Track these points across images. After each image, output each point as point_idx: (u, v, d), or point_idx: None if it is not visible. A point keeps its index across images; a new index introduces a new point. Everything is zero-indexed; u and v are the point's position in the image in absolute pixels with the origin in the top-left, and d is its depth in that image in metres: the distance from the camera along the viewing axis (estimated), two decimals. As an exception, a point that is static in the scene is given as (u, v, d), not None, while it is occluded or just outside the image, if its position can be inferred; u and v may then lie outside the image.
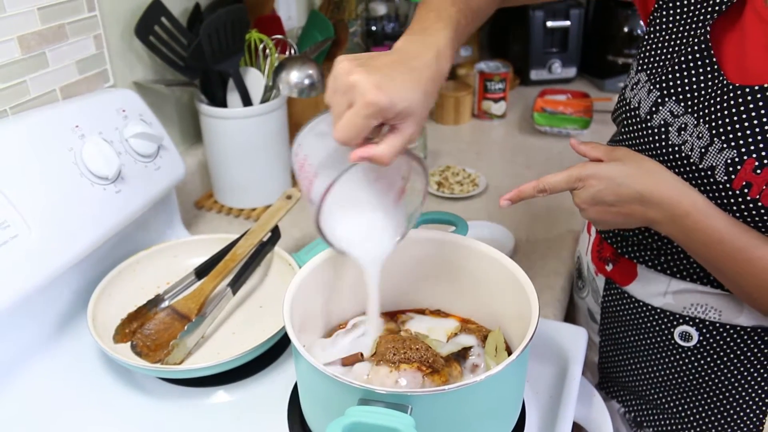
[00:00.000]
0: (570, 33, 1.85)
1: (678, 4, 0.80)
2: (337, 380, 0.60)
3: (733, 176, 0.72)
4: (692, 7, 0.79)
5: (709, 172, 0.74)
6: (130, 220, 0.96)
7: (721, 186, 0.73)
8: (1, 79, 0.89)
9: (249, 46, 1.16)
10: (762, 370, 0.85)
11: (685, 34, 0.79)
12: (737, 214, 0.73)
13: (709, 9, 0.77)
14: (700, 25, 0.77)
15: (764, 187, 0.70)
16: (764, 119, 0.70)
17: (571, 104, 1.67)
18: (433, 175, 1.35)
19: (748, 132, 0.70)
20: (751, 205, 0.72)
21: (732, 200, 0.73)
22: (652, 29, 0.83)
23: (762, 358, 0.85)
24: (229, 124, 1.15)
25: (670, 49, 0.80)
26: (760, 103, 0.70)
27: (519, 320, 0.73)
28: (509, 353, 0.76)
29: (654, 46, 0.83)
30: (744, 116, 0.71)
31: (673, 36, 0.81)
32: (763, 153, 0.70)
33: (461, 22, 0.73)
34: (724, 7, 0.75)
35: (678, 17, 0.80)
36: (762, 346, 0.84)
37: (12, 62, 0.90)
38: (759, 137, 0.70)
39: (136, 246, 1.02)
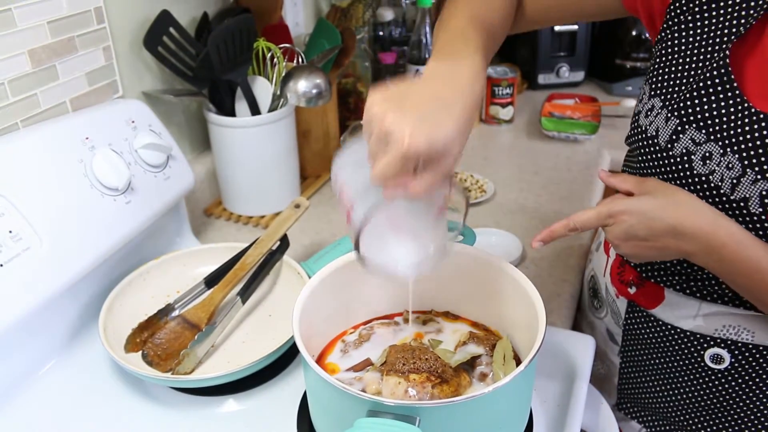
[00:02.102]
0: (578, 37, 1.85)
1: (691, 25, 0.77)
2: (346, 392, 0.61)
3: None
4: (707, 29, 0.76)
5: (741, 204, 0.72)
6: (140, 230, 0.96)
7: (756, 218, 0.72)
8: (12, 92, 0.90)
9: (257, 54, 1.17)
10: None
11: (702, 57, 0.76)
12: None
13: (726, 32, 0.74)
14: (717, 48, 0.74)
15: None
16: None
17: (579, 108, 1.67)
18: (441, 182, 1.35)
19: None
20: None
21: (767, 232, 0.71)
22: (663, 51, 0.81)
23: None
24: (238, 132, 1.15)
25: (686, 74, 0.78)
26: None
27: (527, 329, 0.73)
28: (517, 362, 0.77)
29: (667, 69, 0.80)
30: None
31: (688, 59, 0.78)
32: None
33: (488, 45, 0.73)
34: (742, 29, 0.72)
35: (692, 39, 0.77)
36: None
37: (23, 76, 0.91)
38: None
39: (147, 255, 1.03)
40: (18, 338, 0.83)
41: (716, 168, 0.74)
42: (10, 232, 0.78)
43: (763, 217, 0.70)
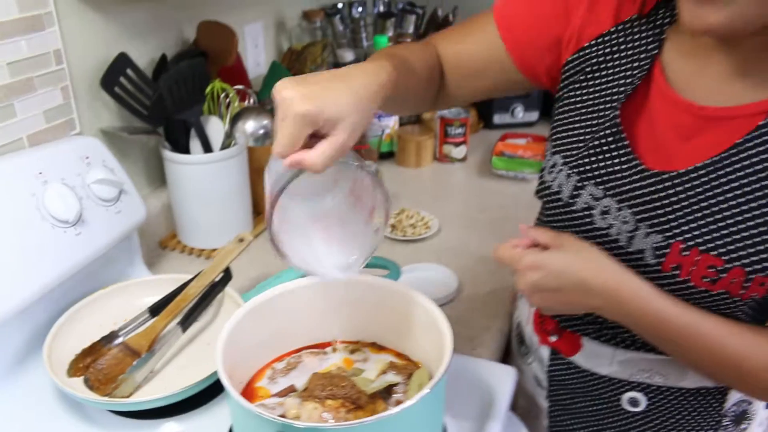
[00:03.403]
0: (531, 80, 1.94)
1: (585, 85, 0.83)
2: (255, 413, 0.66)
3: (662, 259, 0.75)
4: (599, 89, 0.81)
5: (638, 255, 0.77)
6: (89, 260, 1.02)
7: (651, 269, 0.76)
8: (-30, 128, 0.96)
9: (213, 94, 1.24)
10: (707, 428, 0.89)
11: (596, 116, 0.82)
12: (671, 295, 0.76)
13: (616, 91, 0.79)
14: (609, 107, 0.80)
15: (692, 268, 0.73)
16: (685, 203, 0.73)
17: (530, 147, 1.74)
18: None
19: (671, 216, 0.74)
20: (682, 286, 0.75)
21: (664, 281, 0.76)
22: (561, 110, 0.86)
23: (708, 417, 0.89)
24: (191, 169, 1.22)
25: (582, 132, 0.83)
26: (679, 188, 0.73)
27: (440, 358, 0.79)
28: (432, 390, 0.82)
29: (565, 128, 0.85)
30: (666, 201, 0.74)
31: (584, 118, 0.83)
32: (688, 235, 0.73)
33: (398, 67, 0.75)
34: (629, 89, 0.78)
35: (586, 99, 0.83)
36: (707, 406, 0.88)
37: (-19, 113, 0.97)
38: (682, 220, 0.73)
39: (98, 285, 1.07)
40: (-36, 362, 0.87)
41: (614, 222, 0.79)
42: (-41, 261, 0.83)
43: (658, 267, 0.76)
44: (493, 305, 1.16)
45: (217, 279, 1.04)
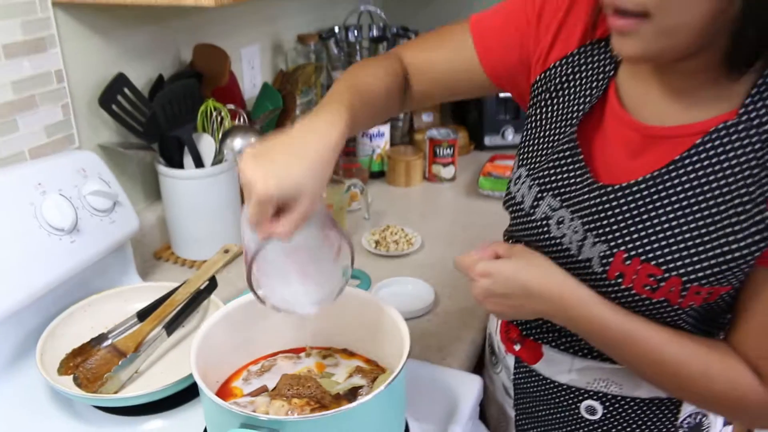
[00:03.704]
0: (520, 103, 2.00)
1: (549, 103, 0.89)
2: (221, 405, 0.72)
3: (607, 267, 0.80)
4: (561, 107, 0.88)
5: (587, 264, 0.82)
6: (83, 267, 1.08)
7: (598, 276, 0.81)
8: (-25, 142, 1.03)
9: (206, 113, 1.31)
10: None
11: (557, 132, 0.88)
12: (616, 302, 0.81)
13: (575, 109, 0.86)
14: (569, 124, 0.86)
15: (634, 277, 0.78)
16: (627, 215, 0.78)
17: (517, 170, 1.80)
18: (374, 234, 1.47)
19: (615, 227, 0.79)
20: (625, 293, 0.79)
21: (609, 289, 0.81)
22: (528, 125, 0.93)
23: (662, 428, 0.93)
24: (184, 183, 1.28)
25: (545, 146, 0.89)
26: (622, 201, 0.79)
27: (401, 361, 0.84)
28: (394, 393, 0.88)
29: (531, 142, 0.92)
30: (610, 213, 0.80)
31: (547, 134, 0.89)
32: (630, 245, 0.78)
33: (357, 104, 0.82)
34: (587, 107, 0.84)
35: (550, 115, 0.89)
36: (661, 417, 0.92)
37: (-15, 128, 1.04)
38: (624, 231, 0.78)
39: (93, 290, 1.13)
40: (-39, 358, 0.94)
41: (566, 231, 0.85)
42: (-41, 263, 0.90)
43: (604, 275, 0.81)
44: (467, 318, 1.21)
45: (202, 287, 1.10)
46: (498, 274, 0.84)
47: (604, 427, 0.95)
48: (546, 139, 0.89)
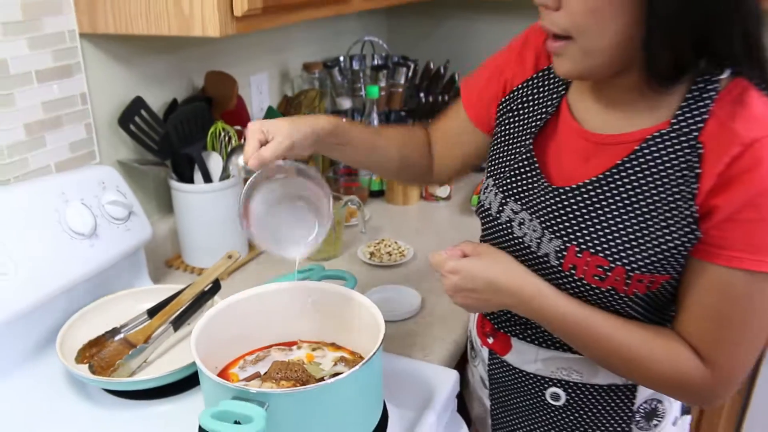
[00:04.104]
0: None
1: (512, 120, 1.02)
2: (214, 379, 0.83)
3: (562, 260, 0.91)
4: (521, 123, 1.01)
5: (545, 258, 0.93)
6: (101, 269, 1.20)
7: (555, 269, 0.92)
8: (9, 155, 1.16)
9: (216, 133, 1.43)
10: (621, 423, 1.03)
11: (517, 145, 1.00)
12: (571, 292, 0.91)
13: (533, 124, 0.99)
14: (527, 137, 0.99)
15: (585, 268, 0.88)
16: (577, 213, 0.90)
17: (509, 190, 1.91)
18: (369, 246, 1.59)
19: (567, 224, 0.90)
20: (578, 283, 0.90)
21: (564, 280, 0.91)
22: (494, 141, 1.05)
23: (620, 412, 1.02)
24: (193, 197, 1.41)
25: (507, 158, 1.02)
26: (572, 200, 0.90)
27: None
28: (372, 379, 0.98)
29: (496, 156, 1.04)
30: (562, 212, 0.91)
31: (509, 147, 1.02)
32: (581, 240, 0.89)
33: (355, 125, 1.06)
34: (541, 122, 0.97)
35: (512, 130, 1.02)
36: (618, 402, 1.02)
37: (18, 143, 1.18)
38: (575, 227, 0.90)
39: (109, 290, 1.25)
40: (-9, 345, 1.06)
41: (527, 231, 0.96)
42: (-7, 259, 1.02)
43: (560, 267, 0.92)
44: (450, 321, 1.32)
45: (206, 288, 1.21)
46: (466, 272, 0.95)
47: (567, 412, 1.05)
48: (508, 152, 1.02)
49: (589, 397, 1.02)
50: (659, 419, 1.04)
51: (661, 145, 0.85)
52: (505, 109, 1.04)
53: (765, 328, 0.86)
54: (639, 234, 0.86)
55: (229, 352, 1.05)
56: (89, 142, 1.32)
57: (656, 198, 0.85)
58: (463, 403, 1.30)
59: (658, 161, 0.85)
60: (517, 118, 1.02)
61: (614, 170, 0.88)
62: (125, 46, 1.37)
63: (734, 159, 0.79)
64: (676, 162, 0.83)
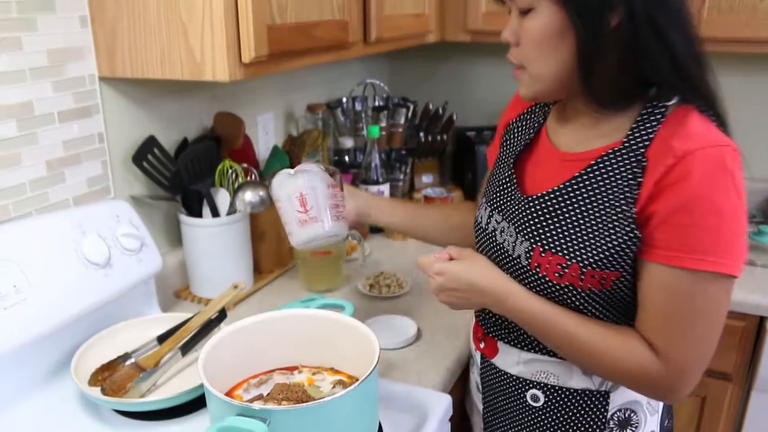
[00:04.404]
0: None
1: (503, 149, 1.18)
2: (222, 399, 0.90)
3: (530, 260, 1.03)
4: (508, 149, 1.17)
5: (518, 259, 1.05)
6: (114, 297, 1.27)
7: (525, 268, 1.04)
8: (31, 189, 1.25)
9: (223, 171, 1.52)
10: (596, 428, 1.10)
11: (503, 167, 1.15)
12: (537, 289, 1.02)
13: (516, 149, 1.14)
14: (510, 157, 1.14)
15: (548, 266, 1.00)
16: (541, 218, 1.02)
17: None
18: (368, 279, 1.66)
19: (533, 228, 1.03)
20: (543, 280, 1.01)
21: (533, 278, 1.03)
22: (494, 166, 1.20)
23: (594, 418, 1.09)
24: (202, 230, 1.49)
25: (496, 178, 1.16)
26: (537, 207, 1.03)
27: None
28: (368, 400, 1.04)
29: (490, 178, 1.20)
30: (529, 216, 1.04)
31: (498, 169, 1.17)
32: (544, 241, 1.01)
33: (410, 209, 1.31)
34: (523, 145, 1.13)
35: (501, 156, 1.18)
36: (593, 407, 1.09)
37: (39, 178, 1.26)
38: (540, 230, 1.02)
39: (121, 318, 1.32)
40: (11, 365, 1.12)
41: (506, 237, 1.08)
42: (15, 286, 1.10)
43: (528, 267, 1.03)
44: (444, 349, 1.38)
45: (213, 317, 1.28)
46: (449, 273, 1.07)
47: (545, 414, 1.13)
48: (497, 173, 1.16)
49: (566, 400, 1.11)
50: (633, 428, 1.11)
51: (613, 160, 0.97)
52: (502, 140, 1.20)
53: (712, 327, 0.95)
54: (591, 235, 0.97)
55: (234, 375, 1.11)
56: (105, 178, 1.40)
57: (606, 204, 0.97)
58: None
59: (610, 173, 0.97)
60: (506, 145, 1.17)
61: (573, 181, 1.00)
62: (140, 88, 1.46)
63: (669, 169, 0.90)
64: (624, 174, 0.95)
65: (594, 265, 0.97)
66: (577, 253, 0.98)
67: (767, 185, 2.13)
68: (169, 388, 1.18)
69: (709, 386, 1.79)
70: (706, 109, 0.96)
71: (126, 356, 1.23)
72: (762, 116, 2.14)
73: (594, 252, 0.97)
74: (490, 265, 1.08)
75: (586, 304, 1.01)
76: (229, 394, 1.08)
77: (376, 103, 2.26)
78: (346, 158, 2.11)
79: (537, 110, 1.16)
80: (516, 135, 1.16)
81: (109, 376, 1.18)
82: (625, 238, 0.94)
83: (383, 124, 2.09)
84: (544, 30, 0.94)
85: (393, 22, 1.71)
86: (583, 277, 0.98)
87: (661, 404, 1.13)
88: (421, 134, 2.27)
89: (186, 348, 1.22)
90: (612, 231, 0.95)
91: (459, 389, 1.40)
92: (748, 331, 1.71)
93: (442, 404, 1.17)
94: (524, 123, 1.16)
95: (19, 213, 1.24)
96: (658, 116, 0.95)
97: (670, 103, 0.95)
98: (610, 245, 0.95)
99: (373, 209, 1.29)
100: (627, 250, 0.95)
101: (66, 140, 1.30)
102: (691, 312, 0.93)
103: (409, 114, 2.21)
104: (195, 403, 1.13)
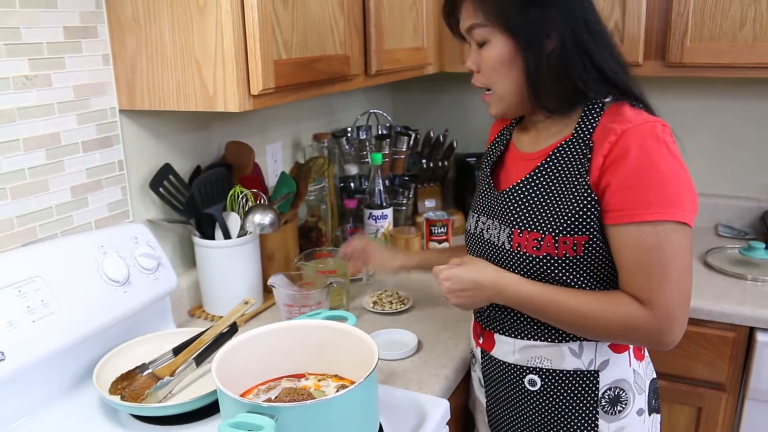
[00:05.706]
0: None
1: (483, 167, 1.34)
2: (231, 395, 0.98)
3: (511, 242, 1.20)
4: (486, 165, 1.33)
5: (503, 246, 1.22)
6: (132, 313, 1.37)
7: (509, 252, 1.20)
8: (57, 213, 1.35)
9: (235, 196, 1.62)
10: (589, 406, 1.21)
11: (483, 178, 1.35)
12: (522, 266, 1.18)
13: (493, 158, 1.34)
14: (488, 168, 1.35)
15: (526, 243, 1.17)
16: (513, 205, 1.21)
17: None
18: (372, 296, 1.74)
19: (509, 214, 1.21)
20: (525, 257, 1.18)
21: (516, 258, 1.19)
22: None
23: (587, 397, 1.21)
24: (214, 252, 1.58)
25: (479, 190, 1.35)
26: (509, 197, 1.22)
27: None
28: (368, 402, 1.12)
29: (476, 193, 1.35)
30: (505, 206, 1.22)
31: (480, 183, 1.36)
32: (519, 224, 1.19)
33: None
34: (497, 154, 1.33)
35: (482, 173, 1.38)
36: (585, 386, 1.21)
37: (64, 203, 1.36)
38: (515, 214, 1.20)
39: (139, 332, 1.41)
40: (38, 376, 1.21)
41: (492, 231, 1.23)
42: (42, 300, 1.19)
43: (510, 248, 1.20)
44: (444, 359, 1.46)
45: (225, 330, 1.37)
46: (455, 277, 1.24)
47: (542, 396, 1.25)
48: (479, 187, 1.33)
49: (560, 382, 1.22)
50: (623, 405, 1.22)
51: (566, 148, 1.17)
52: (482, 164, 1.37)
53: (685, 271, 1.09)
54: (556, 208, 1.15)
55: (245, 382, 1.19)
56: (124, 203, 1.50)
57: (564, 182, 1.15)
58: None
59: (565, 158, 1.17)
60: (485, 165, 1.34)
61: (535, 171, 1.20)
62: (157, 120, 1.57)
63: (612, 145, 1.09)
64: (576, 156, 1.15)
65: (564, 232, 1.14)
66: (547, 225, 1.15)
67: (759, 203, 2.20)
68: (184, 396, 1.26)
69: (705, 396, 1.85)
70: (636, 103, 1.16)
71: (144, 366, 1.32)
72: (748, 136, 2.22)
73: (561, 221, 1.14)
74: (486, 264, 1.24)
75: (568, 274, 1.15)
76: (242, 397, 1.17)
77: (379, 132, 2.36)
78: (351, 184, 2.21)
79: (505, 131, 1.36)
80: (490, 155, 1.36)
81: (128, 385, 1.27)
82: (585, 203, 1.12)
83: (386, 151, 2.19)
84: (498, 58, 1.16)
85: (392, 55, 1.82)
86: (557, 245, 1.14)
87: (648, 383, 1.25)
88: (423, 161, 2.37)
89: (200, 359, 1.31)
90: (572, 201, 1.13)
91: (458, 397, 1.47)
92: (740, 341, 1.78)
93: (440, 409, 1.25)
94: (496, 144, 1.37)
95: (45, 234, 1.34)
96: (598, 110, 1.16)
97: (607, 100, 1.16)
98: (573, 212, 1.13)
99: (403, 260, 1.61)
100: (589, 213, 1.12)
101: (89, 168, 1.40)
102: (662, 260, 1.07)
103: (411, 141, 2.31)
104: (208, 409, 1.22)
